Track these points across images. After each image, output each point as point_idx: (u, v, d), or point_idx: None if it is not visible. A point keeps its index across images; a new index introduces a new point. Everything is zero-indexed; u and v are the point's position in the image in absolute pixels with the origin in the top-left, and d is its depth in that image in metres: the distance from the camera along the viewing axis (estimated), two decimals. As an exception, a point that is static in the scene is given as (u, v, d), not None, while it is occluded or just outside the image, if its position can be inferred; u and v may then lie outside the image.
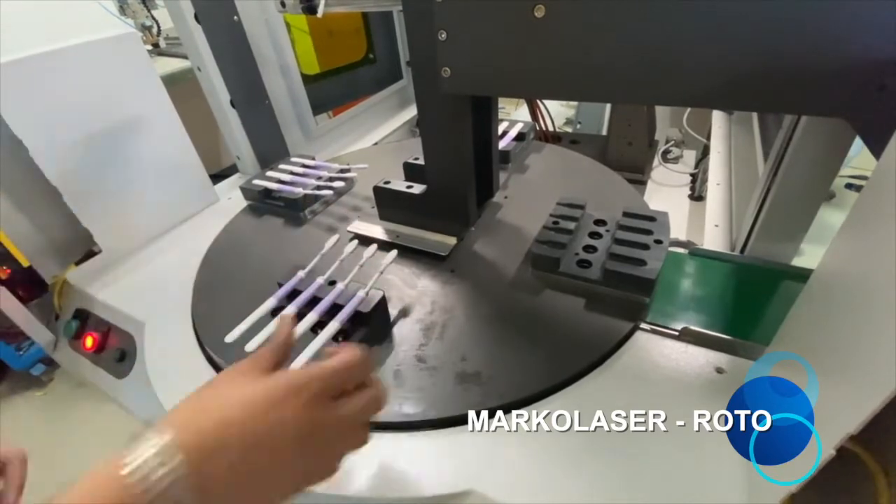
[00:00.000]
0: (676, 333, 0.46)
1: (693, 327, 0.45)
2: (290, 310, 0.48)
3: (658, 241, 0.51)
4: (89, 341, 0.62)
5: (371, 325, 0.46)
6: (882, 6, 0.27)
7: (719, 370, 0.42)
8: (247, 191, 0.75)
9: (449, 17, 0.42)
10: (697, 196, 0.86)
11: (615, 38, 0.35)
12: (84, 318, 0.64)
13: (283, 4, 0.53)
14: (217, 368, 0.48)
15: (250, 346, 0.41)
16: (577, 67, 0.38)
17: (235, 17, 0.76)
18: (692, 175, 0.92)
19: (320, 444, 0.27)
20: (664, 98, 0.37)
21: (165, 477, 0.21)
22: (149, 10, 1.60)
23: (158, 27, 1.63)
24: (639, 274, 0.47)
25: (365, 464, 0.37)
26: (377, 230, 0.64)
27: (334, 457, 0.28)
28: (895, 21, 0.27)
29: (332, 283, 0.48)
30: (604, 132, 1.05)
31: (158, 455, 0.22)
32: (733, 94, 0.33)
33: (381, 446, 0.39)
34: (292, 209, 0.71)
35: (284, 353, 0.30)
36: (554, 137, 1.00)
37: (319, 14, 0.50)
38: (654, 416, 0.39)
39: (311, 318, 0.46)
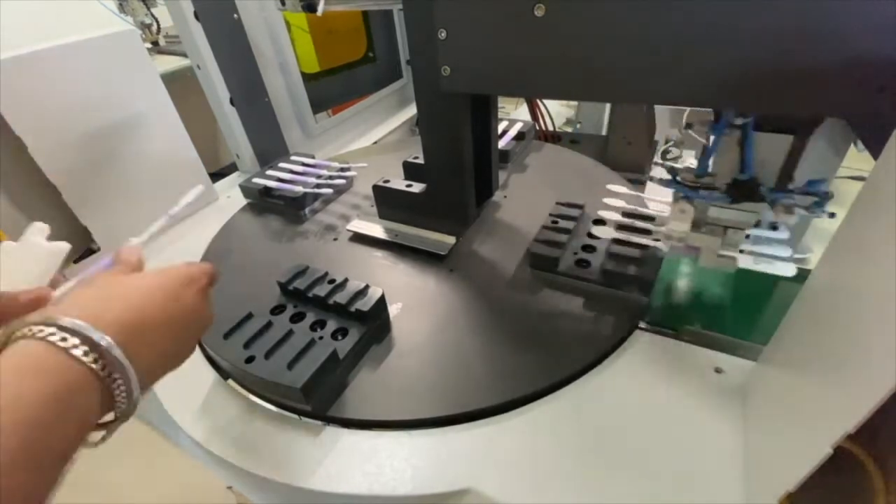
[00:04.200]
0: (675, 333, 0.46)
1: (691, 327, 0.45)
2: (290, 308, 0.48)
3: (657, 241, 0.51)
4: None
5: (370, 323, 0.46)
6: (881, 8, 0.27)
7: (718, 370, 0.42)
8: (246, 189, 0.75)
9: (449, 16, 0.42)
10: (697, 196, 0.86)
11: (615, 38, 0.35)
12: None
13: (282, 2, 0.53)
14: (215, 366, 0.48)
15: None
16: (577, 66, 0.38)
17: (235, 15, 0.76)
18: (691, 175, 0.92)
19: (199, 322, 0.31)
20: (664, 98, 0.37)
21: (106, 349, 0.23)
22: (148, 8, 1.60)
23: (158, 25, 1.63)
24: (637, 274, 0.47)
25: (364, 462, 0.38)
26: (376, 229, 0.64)
27: (196, 341, 0.32)
28: (894, 23, 0.27)
29: (332, 281, 0.48)
30: (603, 132, 1.05)
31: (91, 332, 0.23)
32: (733, 94, 0.34)
33: (379, 445, 0.39)
34: (292, 207, 0.71)
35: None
36: (554, 137, 1.00)
37: (319, 12, 0.50)
38: (653, 415, 0.39)
39: (311, 316, 0.47)
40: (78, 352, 0.22)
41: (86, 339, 0.23)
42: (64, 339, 0.22)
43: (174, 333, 0.28)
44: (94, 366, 0.22)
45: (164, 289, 0.28)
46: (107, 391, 0.23)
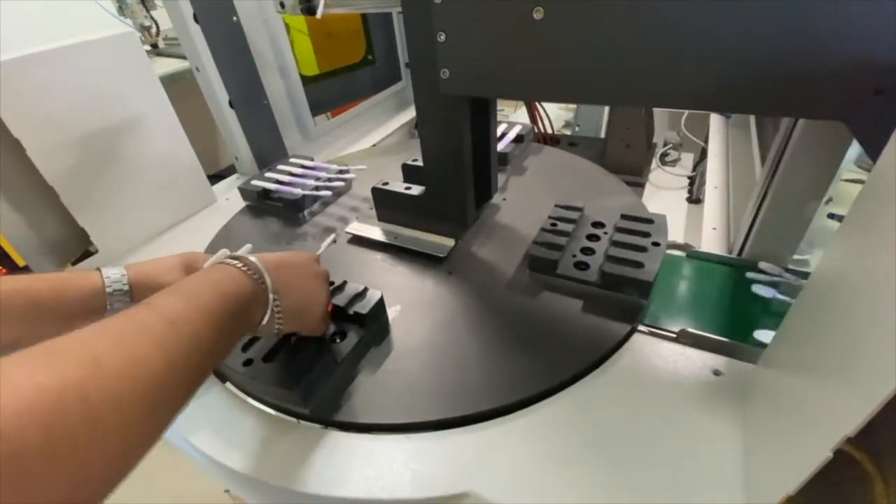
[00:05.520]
0: (674, 336, 0.46)
1: (691, 330, 0.45)
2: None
3: (656, 244, 0.51)
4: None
5: (369, 326, 0.46)
6: (879, 11, 0.27)
7: (717, 373, 0.42)
8: (245, 191, 0.75)
9: (448, 19, 0.42)
10: (695, 199, 0.86)
11: (613, 41, 0.35)
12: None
13: (282, 5, 0.53)
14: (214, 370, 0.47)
15: None
16: (576, 69, 0.38)
17: (234, 18, 0.76)
18: (690, 178, 0.93)
19: (314, 275, 0.41)
20: (662, 101, 0.37)
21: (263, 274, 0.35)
22: (147, 11, 1.60)
23: (157, 27, 1.63)
24: (636, 276, 0.47)
25: (363, 466, 0.37)
26: (375, 231, 0.64)
27: (320, 291, 0.42)
28: (891, 26, 0.27)
29: (331, 283, 0.48)
30: (602, 135, 1.06)
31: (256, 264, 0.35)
32: (732, 97, 0.34)
33: (378, 448, 0.39)
34: (291, 210, 0.71)
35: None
36: (552, 140, 1.01)
37: (318, 15, 0.50)
38: (652, 418, 0.39)
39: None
40: (247, 269, 0.34)
41: (256, 270, 0.35)
42: (246, 267, 0.34)
43: (306, 284, 0.40)
44: (262, 284, 0.35)
45: (292, 260, 0.40)
46: (265, 304, 0.35)
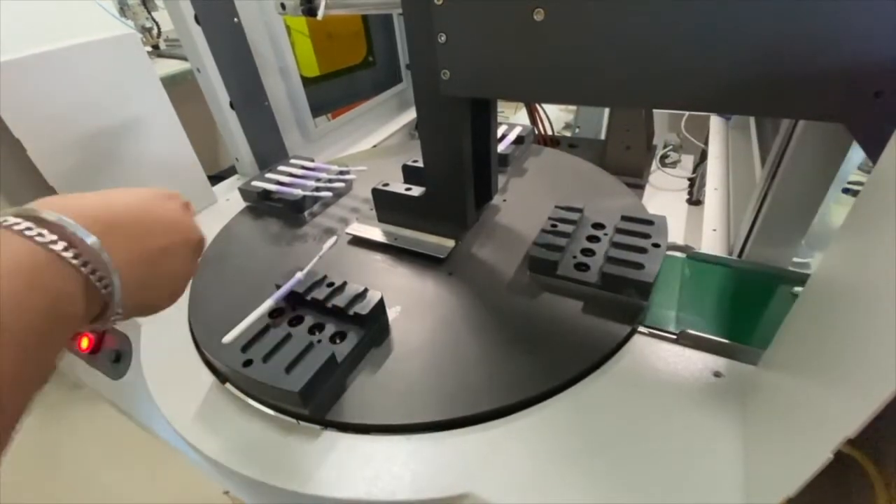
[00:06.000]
0: (674, 337, 0.46)
1: (691, 331, 0.45)
2: (289, 311, 0.48)
3: (656, 245, 0.51)
4: (84, 342, 0.61)
5: (369, 327, 0.46)
6: (879, 13, 0.27)
7: (717, 374, 0.42)
8: (245, 192, 0.75)
9: (448, 20, 0.42)
10: (695, 200, 0.87)
11: (614, 42, 0.35)
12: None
13: (283, 7, 0.54)
14: (213, 370, 0.47)
15: (228, 339, 0.42)
16: (576, 71, 0.38)
17: (235, 19, 0.76)
18: (690, 179, 0.93)
19: (183, 243, 0.31)
20: (662, 102, 0.37)
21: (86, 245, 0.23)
22: (149, 12, 1.61)
23: (158, 29, 1.64)
24: (637, 277, 0.47)
25: (362, 467, 0.37)
26: (376, 232, 0.64)
27: (185, 269, 0.32)
28: (891, 27, 0.27)
29: (331, 284, 0.48)
30: (602, 136, 1.06)
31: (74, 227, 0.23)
32: (732, 98, 0.34)
33: (377, 449, 0.39)
34: (291, 210, 0.71)
35: None
36: (552, 141, 1.01)
37: (319, 16, 0.51)
38: (653, 419, 0.39)
39: (310, 319, 0.46)
40: (61, 247, 0.22)
41: (65, 236, 0.22)
42: (41, 235, 0.21)
43: (156, 233, 0.28)
44: (75, 262, 0.22)
45: (145, 196, 0.30)
46: (92, 292, 0.23)
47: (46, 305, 0.20)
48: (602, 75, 0.37)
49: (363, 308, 0.45)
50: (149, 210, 0.29)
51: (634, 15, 0.34)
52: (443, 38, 0.43)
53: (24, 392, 0.19)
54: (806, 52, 0.30)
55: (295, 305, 0.48)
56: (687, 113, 1.04)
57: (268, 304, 0.46)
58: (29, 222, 0.22)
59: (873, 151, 0.29)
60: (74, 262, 0.22)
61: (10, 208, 0.23)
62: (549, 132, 1.00)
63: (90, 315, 0.24)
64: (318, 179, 0.75)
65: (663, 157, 0.99)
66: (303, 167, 0.79)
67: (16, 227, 0.21)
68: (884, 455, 0.24)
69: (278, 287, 0.48)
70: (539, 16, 0.37)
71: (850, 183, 0.55)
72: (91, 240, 0.23)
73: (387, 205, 0.64)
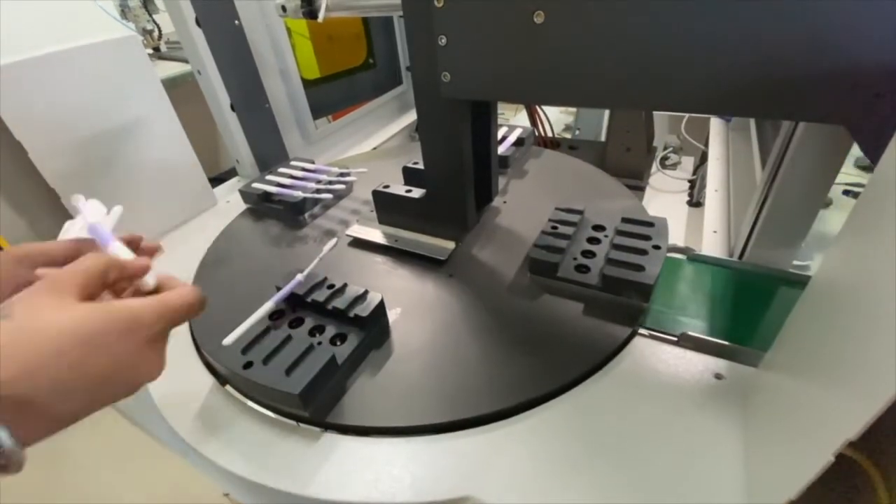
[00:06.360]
0: (675, 339, 0.46)
1: (692, 333, 0.45)
2: (289, 313, 0.48)
3: (656, 247, 0.51)
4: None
5: (370, 329, 0.46)
6: (878, 15, 0.27)
7: (718, 376, 0.42)
8: (246, 194, 0.75)
9: (449, 23, 0.42)
10: (696, 202, 0.87)
11: (614, 45, 0.35)
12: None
13: (284, 9, 0.54)
14: (214, 372, 0.47)
15: (228, 340, 0.41)
16: (576, 73, 0.38)
17: (236, 22, 0.76)
18: (690, 181, 0.93)
19: (130, 378, 0.27)
20: (663, 104, 0.37)
21: None
22: (150, 14, 1.61)
23: (159, 31, 1.64)
24: (637, 279, 0.47)
25: (362, 469, 0.37)
26: (376, 234, 0.64)
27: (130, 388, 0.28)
28: (891, 29, 0.27)
29: (331, 286, 0.48)
30: (602, 138, 1.06)
31: None
32: (732, 100, 0.34)
33: (378, 451, 0.39)
34: (291, 212, 0.71)
35: (99, 284, 0.28)
36: (553, 143, 1.01)
37: (320, 19, 0.51)
38: (654, 421, 0.39)
39: (310, 321, 0.46)
40: None
41: None
42: None
43: (86, 389, 0.24)
44: None
45: (88, 341, 0.24)
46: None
47: None
48: (602, 77, 0.37)
49: (364, 310, 0.45)
50: (86, 369, 0.24)
51: (634, 17, 0.34)
52: (443, 41, 0.43)
53: None
54: (806, 54, 0.30)
55: (295, 307, 0.48)
56: (687, 115, 1.04)
57: (268, 306, 0.46)
58: None
59: (874, 153, 0.29)
60: None
61: None
62: (550, 134, 1.00)
63: None
64: (319, 181, 0.75)
65: (663, 158, 0.99)
66: (303, 169, 0.79)
67: None
68: (885, 457, 0.24)
69: (279, 289, 0.48)
70: (539, 18, 0.37)
71: (848, 184, 0.55)
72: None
73: (387, 207, 0.64)
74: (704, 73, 0.33)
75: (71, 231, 0.37)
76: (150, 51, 1.62)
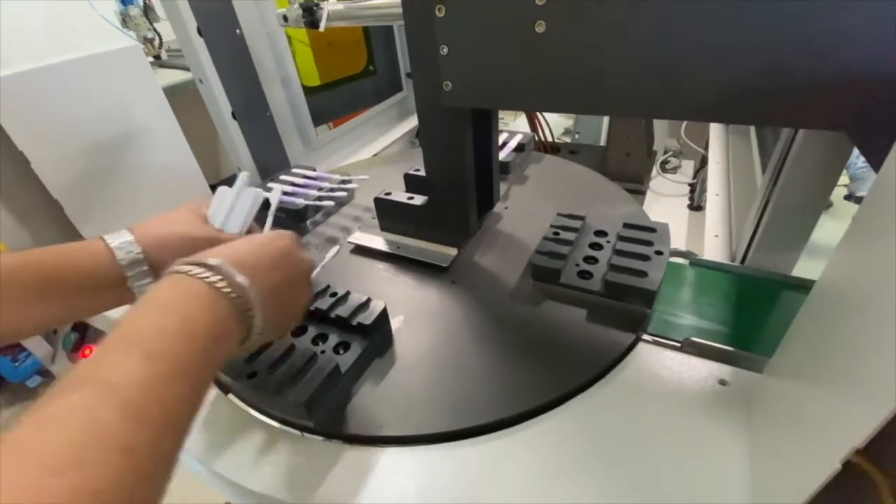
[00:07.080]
0: (679, 345, 0.46)
1: (695, 339, 0.45)
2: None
3: (659, 252, 0.51)
4: (88, 353, 0.61)
5: (373, 337, 0.46)
6: (880, 22, 0.28)
7: (722, 382, 0.42)
8: (247, 202, 0.75)
9: (450, 33, 0.42)
10: (696, 206, 0.87)
11: (615, 54, 0.36)
12: (83, 331, 0.64)
13: (285, 19, 0.54)
14: (217, 381, 0.47)
15: None
16: (578, 82, 0.38)
17: (237, 31, 0.77)
18: (691, 185, 0.93)
19: (299, 274, 0.38)
20: (664, 112, 0.37)
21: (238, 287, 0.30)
22: (151, 23, 1.62)
23: (160, 39, 1.65)
24: (640, 285, 0.47)
25: (367, 478, 0.37)
26: (378, 241, 0.64)
27: (304, 293, 0.39)
28: (892, 37, 0.27)
29: (334, 294, 0.48)
30: (602, 143, 1.06)
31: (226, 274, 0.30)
32: (734, 108, 0.34)
33: (381, 460, 0.38)
34: (293, 220, 0.71)
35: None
36: (553, 148, 1.01)
37: (321, 28, 0.51)
38: (658, 428, 0.39)
39: (313, 330, 0.46)
40: (222, 285, 0.29)
41: (237, 288, 0.29)
42: (224, 283, 0.29)
43: (282, 268, 0.35)
44: (233, 296, 0.29)
45: (265, 239, 0.36)
46: (242, 319, 0.30)
47: (214, 321, 0.28)
48: (603, 86, 0.38)
49: (366, 318, 0.45)
50: (273, 251, 0.35)
51: (635, 26, 0.34)
52: (445, 51, 0.43)
53: (187, 386, 0.24)
54: (808, 62, 0.30)
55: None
56: (686, 121, 1.05)
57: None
58: (199, 268, 0.29)
59: (875, 159, 0.29)
60: (232, 295, 0.29)
61: (183, 258, 0.30)
62: (550, 139, 1.00)
63: (240, 336, 0.30)
64: (320, 189, 0.75)
65: (664, 162, 0.99)
66: (305, 176, 0.79)
67: (191, 273, 0.29)
68: (893, 466, 0.24)
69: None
70: (540, 28, 0.37)
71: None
72: (240, 278, 0.30)
73: (389, 213, 0.65)
74: (705, 82, 0.33)
75: (226, 196, 0.47)
76: (151, 59, 1.62)
